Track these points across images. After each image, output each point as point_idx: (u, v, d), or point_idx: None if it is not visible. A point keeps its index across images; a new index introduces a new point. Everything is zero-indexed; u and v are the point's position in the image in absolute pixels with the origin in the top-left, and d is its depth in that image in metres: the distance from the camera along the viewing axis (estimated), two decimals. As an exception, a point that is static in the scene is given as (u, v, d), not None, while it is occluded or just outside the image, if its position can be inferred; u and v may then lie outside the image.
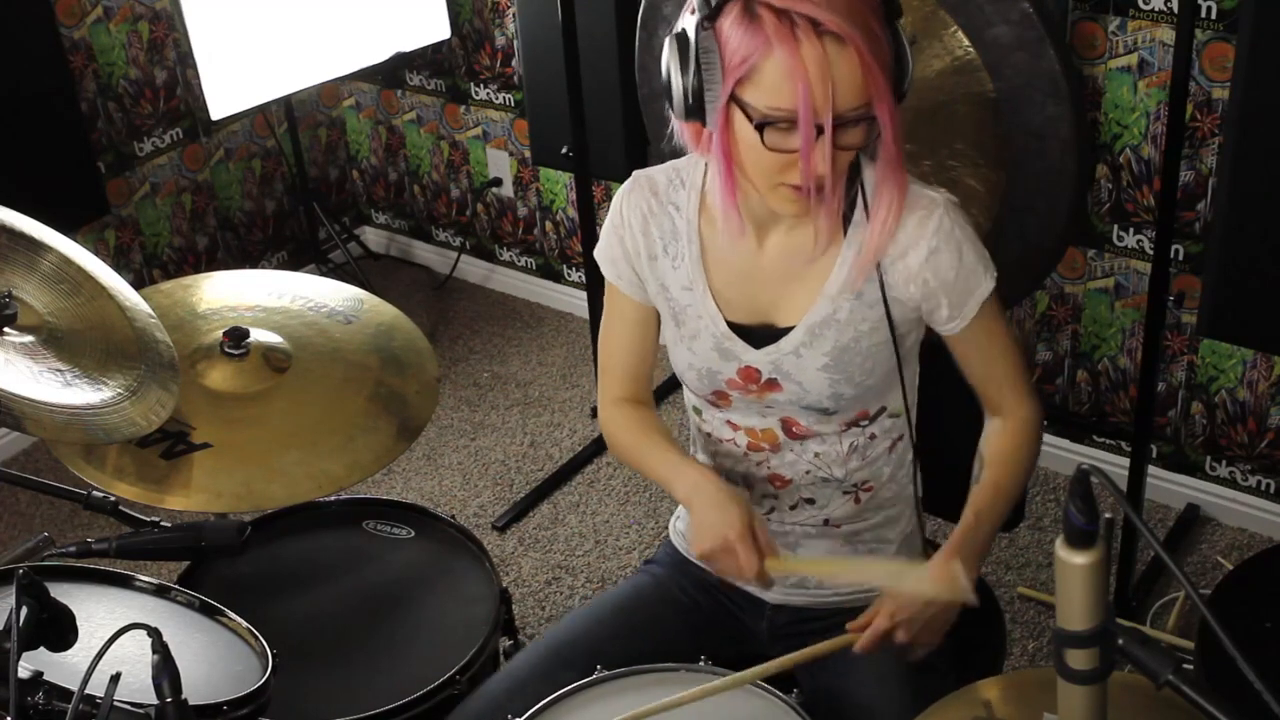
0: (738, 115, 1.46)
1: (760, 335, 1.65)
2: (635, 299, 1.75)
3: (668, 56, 1.48)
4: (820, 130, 1.42)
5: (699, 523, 1.61)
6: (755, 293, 1.65)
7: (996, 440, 1.72)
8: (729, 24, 1.43)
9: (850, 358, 1.62)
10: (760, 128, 1.44)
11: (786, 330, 1.64)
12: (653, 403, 1.85)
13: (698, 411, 1.77)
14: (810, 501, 1.73)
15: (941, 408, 1.77)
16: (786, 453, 1.70)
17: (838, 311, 1.61)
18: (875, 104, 1.44)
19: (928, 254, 1.57)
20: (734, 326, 1.66)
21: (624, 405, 1.80)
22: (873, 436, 1.70)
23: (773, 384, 1.66)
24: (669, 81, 1.48)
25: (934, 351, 1.72)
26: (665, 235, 1.68)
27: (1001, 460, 1.71)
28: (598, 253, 1.75)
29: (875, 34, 1.42)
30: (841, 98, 1.42)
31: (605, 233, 1.73)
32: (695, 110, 1.47)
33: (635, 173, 1.71)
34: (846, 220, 1.59)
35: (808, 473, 1.71)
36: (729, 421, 1.72)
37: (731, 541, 1.56)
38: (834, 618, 1.70)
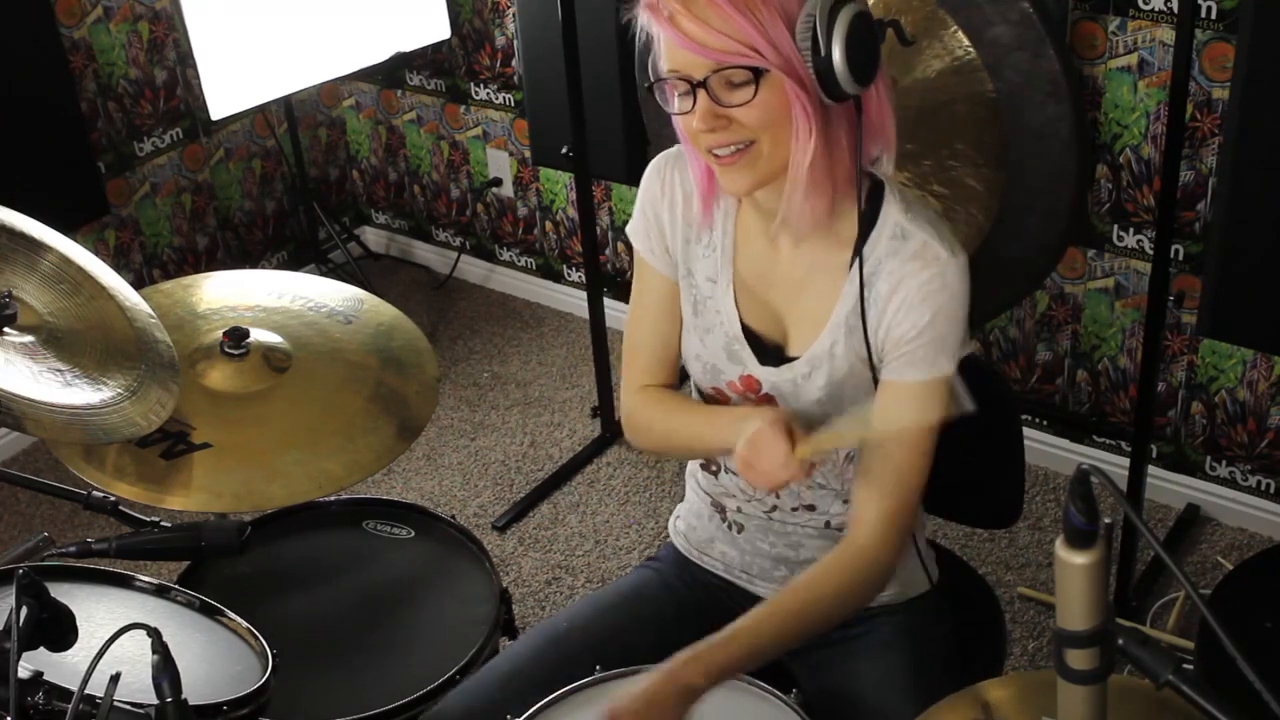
0: None
1: (769, 352, 1.64)
2: (670, 276, 1.71)
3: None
4: (694, 85, 1.44)
5: (746, 437, 1.55)
6: (773, 299, 1.64)
7: (822, 560, 1.60)
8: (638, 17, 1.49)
9: (844, 391, 1.60)
10: (649, 89, 1.49)
11: (792, 359, 1.62)
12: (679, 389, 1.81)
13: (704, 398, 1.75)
14: (810, 508, 1.72)
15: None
16: None
17: (835, 345, 1.59)
18: (758, 50, 1.40)
19: (900, 304, 1.53)
20: (748, 331, 1.65)
21: (651, 389, 1.76)
22: None
23: (769, 399, 1.65)
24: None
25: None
26: (702, 222, 1.66)
27: (807, 587, 1.57)
28: (631, 228, 1.71)
29: None
30: (707, 47, 1.42)
31: (641, 206, 1.69)
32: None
33: (678, 148, 1.65)
34: (857, 253, 1.55)
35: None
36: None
37: (762, 429, 1.52)
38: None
